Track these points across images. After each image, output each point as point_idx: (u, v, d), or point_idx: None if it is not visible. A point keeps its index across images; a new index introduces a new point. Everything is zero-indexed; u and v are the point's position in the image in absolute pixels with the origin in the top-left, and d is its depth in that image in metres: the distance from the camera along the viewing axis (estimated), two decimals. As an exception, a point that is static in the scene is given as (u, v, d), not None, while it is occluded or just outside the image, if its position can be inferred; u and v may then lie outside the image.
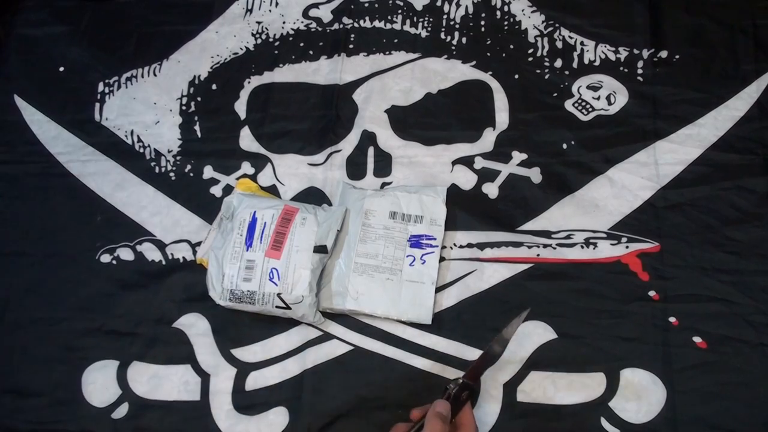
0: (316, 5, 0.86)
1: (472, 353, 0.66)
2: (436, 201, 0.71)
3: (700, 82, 0.75)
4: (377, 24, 0.84)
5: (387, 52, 0.82)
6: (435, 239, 0.69)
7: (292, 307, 0.66)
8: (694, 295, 0.66)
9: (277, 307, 0.67)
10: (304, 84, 0.82)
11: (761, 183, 0.70)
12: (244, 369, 0.68)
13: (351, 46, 0.83)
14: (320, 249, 0.67)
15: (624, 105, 0.76)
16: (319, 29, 0.85)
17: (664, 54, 0.77)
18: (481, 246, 0.70)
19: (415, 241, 0.69)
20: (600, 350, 0.65)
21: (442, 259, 0.70)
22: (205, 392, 0.68)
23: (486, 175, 0.74)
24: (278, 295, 0.66)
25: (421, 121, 0.78)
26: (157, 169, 0.80)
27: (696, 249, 0.68)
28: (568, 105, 0.77)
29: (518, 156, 0.75)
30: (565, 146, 0.74)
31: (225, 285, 0.67)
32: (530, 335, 0.66)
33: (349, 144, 0.77)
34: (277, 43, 0.85)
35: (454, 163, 0.75)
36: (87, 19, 0.90)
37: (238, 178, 0.77)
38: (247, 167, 0.78)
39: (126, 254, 0.75)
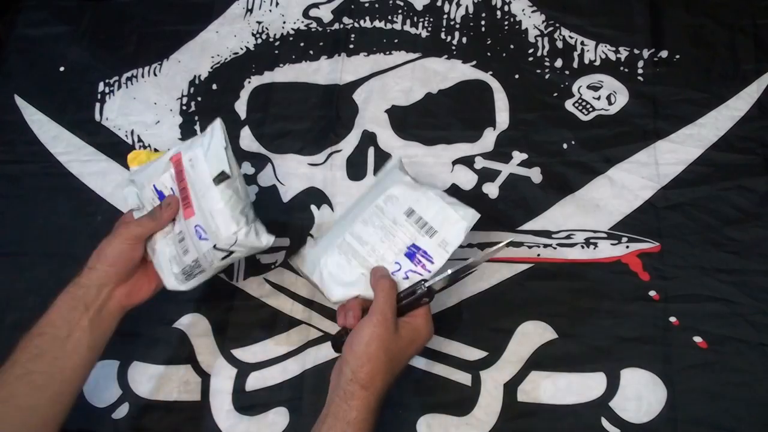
0: (316, 5, 0.87)
1: (473, 353, 0.66)
2: (458, 225, 0.59)
3: (701, 82, 0.75)
4: (377, 24, 0.84)
5: (387, 52, 0.82)
6: (432, 263, 0.59)
7: (235, 249, 0.59)
8: (695, 295, 0.66)
9: (222, 259, 0.60)
10: (305, 84, 0.82)
11: (761, 183, 0.70)
12: (244, 369, 0.68)
13: (351, 46, 0.83)
14: (221, 178, 0.58)
15: (624, 105, 0.76)
16: (320, 29, 0.85)
17: (664, 54, 0.77)
18: (482, 246, 0.70)
19: (412, 253, 0.60)
20: (600, 350, 0.65)
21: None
22: (205, 392, 0.68)
23: (486, 175, 0.74)
24: (214, 247, 0.59)
25: (422, 121, 0.78)
26: (157, 169, 0.80)
27: (696, 249, 0.68)
28: (569, 105, 0.77)
29: (518, 156, 0.75)
30: (565, 146, 0.74)
31: (174, 270, 0.62)
32: (530, 335, 0.66)
33: (349, 144, 0.77)
34: (277, 43, 0.85)
35: (455, 163, 0.75)
36: (87, 19, 0.90)
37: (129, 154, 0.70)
38: (247, 167, 0.78)
39: (126, 254, 0.75)
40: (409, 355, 0.56)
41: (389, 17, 0.84)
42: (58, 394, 0.56)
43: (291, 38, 0.85)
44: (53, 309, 0.58)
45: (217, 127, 0.60)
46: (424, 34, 0.83)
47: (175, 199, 0.61)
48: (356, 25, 0.84)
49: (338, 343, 0.59)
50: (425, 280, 0.58)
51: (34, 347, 0.56)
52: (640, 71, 0.77)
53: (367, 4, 0.85)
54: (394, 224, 0.61)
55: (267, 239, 0.60)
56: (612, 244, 0.69)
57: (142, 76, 0.85)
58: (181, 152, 0.61)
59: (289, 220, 0.74)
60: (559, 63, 0.79)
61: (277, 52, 0.84)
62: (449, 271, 0.59)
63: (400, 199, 0.62)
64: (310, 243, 0.65)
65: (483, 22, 0.82)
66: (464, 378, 0.65)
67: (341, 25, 0.84)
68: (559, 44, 0.80)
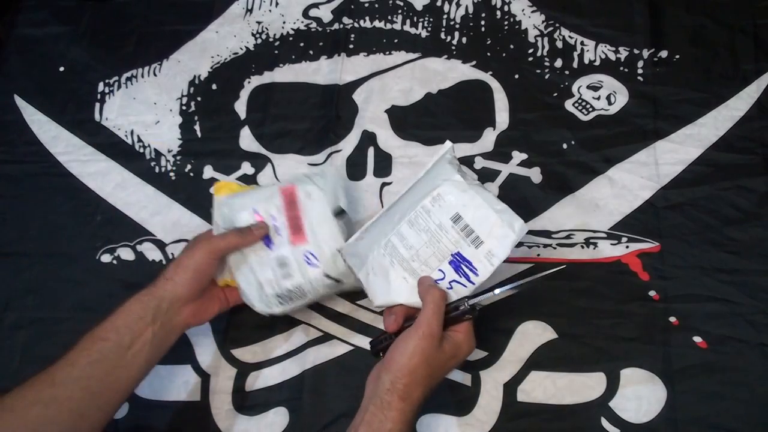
0: (316, 5, 0.87)
1: (473, 353, 0.66)
2: (506, 238, 0.58)
3: (700, 82, 0.75)
4: (377, 24, 0.84)
5: (387, 52, 0.82)
6: (477, 276, 0.58)
7: (342, 279, 0.64)
8: (694, 295, 0.66)
9: (326, 286, 0.64)
10: (304, 84, 0.82)
11: (761, 183, 0.70)
12: (244, 369, 0.68)
13: (351, 46, 0.83)
14: (339, 213, 0.65)
15: (624, 105, 0.76)
16: (319, 29, 0.85)
17: (664, 54, 0.77)
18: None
19: (457, 263, 0.59)
20: (600, 350, 0.65)
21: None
22: (205, 392, 0.68)
23: (486, 175, 0.74)
24: (325, 275, 0.63)
25: (421, 121, 0.78)
26: (157, 169, 0.80)
27: (696, 249, 0.68)
28: (569, 105, 0.77)
29: (518, 156, 0.75)
30: (565, 146, 0.74)
31: (268, 292, 0.63)
32: (530, 335, 0.66)
33: (349, 144, 0.77)
34: (277, 43, 0.85)
35: (454, 163, 0.75)
36: (87, 19, 0.90)
37: (216, 182, 0.74)
38: (247, 167, 0.78)
39: (126, 254, 0.75)
40: (449, 368, 0.56)
41: (389, 17, 0.84)
42: (108, 404, 0.55)
43: (291, 38, 0.85)
44: (120, 315, 0.57)
45: (333, 170, 0.69)
46: (424, 34, 0.83)
47: (265, 224, 0.63)
48: (356, 25, 0.84)
49: (377, 348, 0.59)
50: (470, 297, 0.58)
51: (96, 352, 0.55)
52: (640, 71, 0.77)
53: (366, 4, 0.85)
54: (439, 229, 0.59)
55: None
56: (612, 244, 0.69)
57: (142, 76, 0.85)
58: (295, 185, 0.65)
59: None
60: (559, 63, 0.79)
61: (276, 52, 0.84)
62: (496, 291, 0.58)
63: (447, 202, 0.59)
64: (359, 234, 0.62)
65: (483, 22, 0.82)
66: (464, 378, 0.65)
67: (341, 25, 0.84)
68: (559, 44, 0.80)
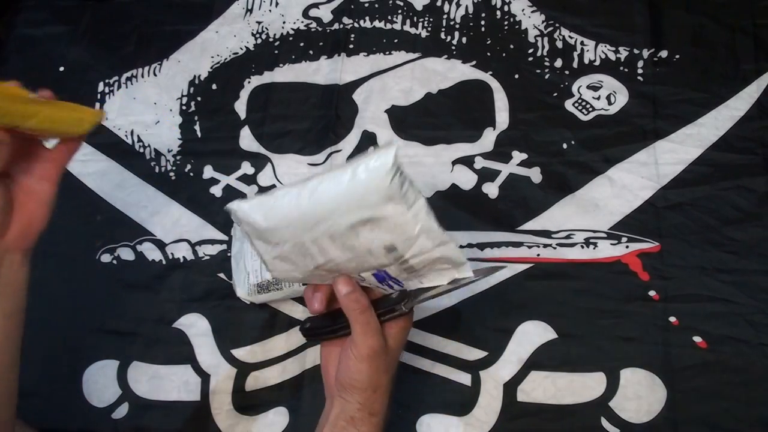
0: (316, 5, 0.86)
1: (472, 353, 0.66)
2: (445, 275, 0.50)
3: (700, 82, 0.75)
4: (377, 24, 0.84)
5: (387, 52, 0.82)
6: (401, 287, 0.52)
7: None
8: (694, 294, 0.66)
9: (304, 284, 0.64)
10: (304, 84, 0.82)
11: (761, 183, 0.70)
12: (244, 369, 0.68)
13: (351, 46, 0.83)
14: None
15: (624, 105, 0.76)
16: (319, 29, 0.85)
17: (664, 54, 0.77)
18: (481, 246, 0.70)
19: (381, 275, 0.50)
20: (600, 350, 0.65)
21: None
22: (205, 392, 0.68)
23: (486, 175, 0.74)
24: None
25: (421, 121, 0.78)
26: (157, 169, 0.80)
27: (696, 249, 0.68)
28: (568, 105, 0.77)
29: (518, 156, 0.75)
30: (565, 146, 0.74)
31: (251, 281, 0.68)
32: (530, 335, 0.66)
33: (349, 144, 0.77)
34: (277, 43, 0.85)
35: (454, 162, 0.75)
36: (87, 19, 0.90)
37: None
38: (247, 167, 0.78)
39: (126, 254, 0.75)
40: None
41: (389, 17, 0.84)
42: None
43: (291, 38, 0.85)
44: None
45: None
46: (424, 34, 0.83)
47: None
48: (356, 25, 0.84)
49: (312, 335, 0.56)
50: (405, 300, 0.51)
51: None
52: (639, 71, 0.77)
53: (366, 4, 0.85)
54: (368, 254, 0.48)
55: None
56: (612, 244, 0.69)
57: (142, 76, 0.85)
58: None
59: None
60: (558, 63, 0.79)
61: (276, 52, 0.84)
62: (433, 292, 0.51)
63: (382, 229, 0.46)
64: (257, 198, 0.48)
65: (483, 22, 0.82)
66: (464, 378, 0.65)
67: (341, 25, 0.84)
68: (559, 44, 0.80)
